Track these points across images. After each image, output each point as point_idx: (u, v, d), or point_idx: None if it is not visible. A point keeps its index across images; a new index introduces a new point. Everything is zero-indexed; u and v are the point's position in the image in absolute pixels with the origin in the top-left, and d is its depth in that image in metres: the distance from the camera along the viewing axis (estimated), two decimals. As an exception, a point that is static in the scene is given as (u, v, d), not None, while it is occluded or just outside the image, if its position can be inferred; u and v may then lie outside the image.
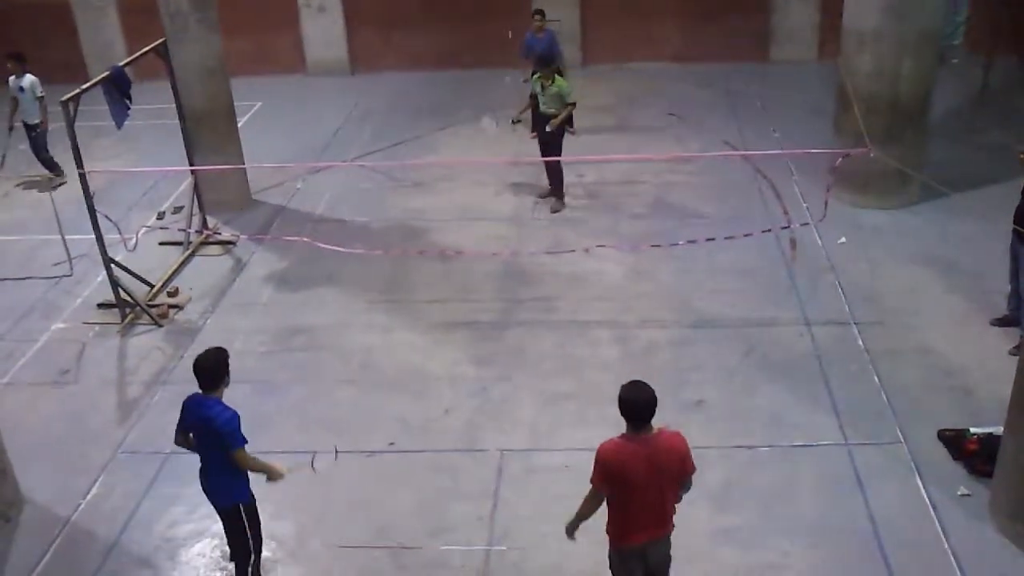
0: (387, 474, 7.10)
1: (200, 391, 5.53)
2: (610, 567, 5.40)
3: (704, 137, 13.02)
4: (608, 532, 5.27)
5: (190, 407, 5.58)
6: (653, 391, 4.95)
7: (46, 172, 12.66)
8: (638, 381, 5.02)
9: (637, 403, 4.92)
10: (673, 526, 5.28)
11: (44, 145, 12.49)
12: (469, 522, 6.58)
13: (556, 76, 10.87)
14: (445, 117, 14.37)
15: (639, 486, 5.00)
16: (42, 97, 12.25)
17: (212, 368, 5.48)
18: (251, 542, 5.78)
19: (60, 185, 12.33)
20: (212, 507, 5.84)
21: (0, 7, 16.09)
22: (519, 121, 11.89)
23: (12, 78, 12.26)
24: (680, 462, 5.06)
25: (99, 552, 6.50)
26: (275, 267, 10.21)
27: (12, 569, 6.40)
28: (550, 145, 11.05)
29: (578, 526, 5.30)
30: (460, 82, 15.76)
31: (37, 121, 12.34)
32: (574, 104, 10.90)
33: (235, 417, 5.46)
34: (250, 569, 5.87)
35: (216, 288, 9.83)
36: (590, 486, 5.12)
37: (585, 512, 5.23)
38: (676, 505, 5.22)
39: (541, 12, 12.87)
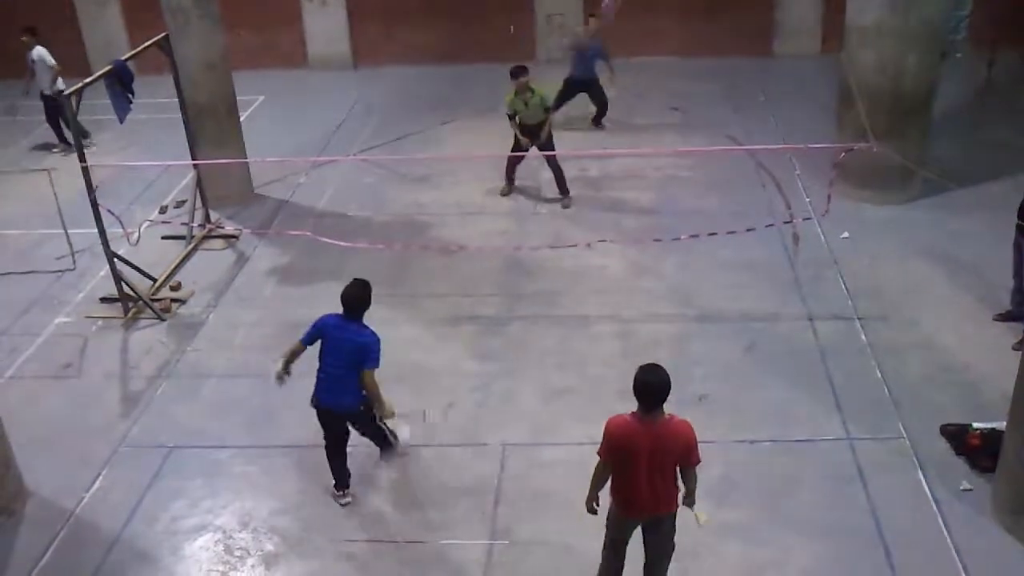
0: (388, 469, 7.09)
1: (343, 314, 6.30)
2: (607, 521, 5.57)
3: (707, 131, 13.02)
4: (611, 495, 5.42)
5: (333, 324, 6.32)
6: (667, 376, 5.05)
7: (60, 144, 13.39)
8: (655, 364, 5.13)
9: (648, 385, 5.03)
10: (677, 506, 5.36)
11: (63, 115, 12.68)
12: (471, 516, 6.59)
13: (533, 88, 10.72)
14: (448, 111, 14.36)
15: (641, 464, 5.10)
16: (53, 67, 12.92)
17: (361, 298, 6.29)
18: (384, 428, 6.69)
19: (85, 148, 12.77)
20: (321, 422, 6.58)
21: (3, 0, 16.08)
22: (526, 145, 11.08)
23: (29, 51, 13.05)
24: (685, 449, 5.13)
25: (102, 545, 6.51)
26: (278, 261, 10.22)
27: (16, 562, 6.41)
28: (545, 149, 10.97)
29: (595, 497, 5.46)
30: (463, 77, 15.75)
31: (50, 92, 12.92)
32: (550, 110, 11.02)
33: (379, 341, 6.28)
34: (394, 448, 6.88)
35: (219, 282, 9.83)
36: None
37: (595, 484, 5.41)
38: (680, 487, 5.31)
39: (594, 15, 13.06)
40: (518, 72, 10.72)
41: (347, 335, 6.27)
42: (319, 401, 6.45)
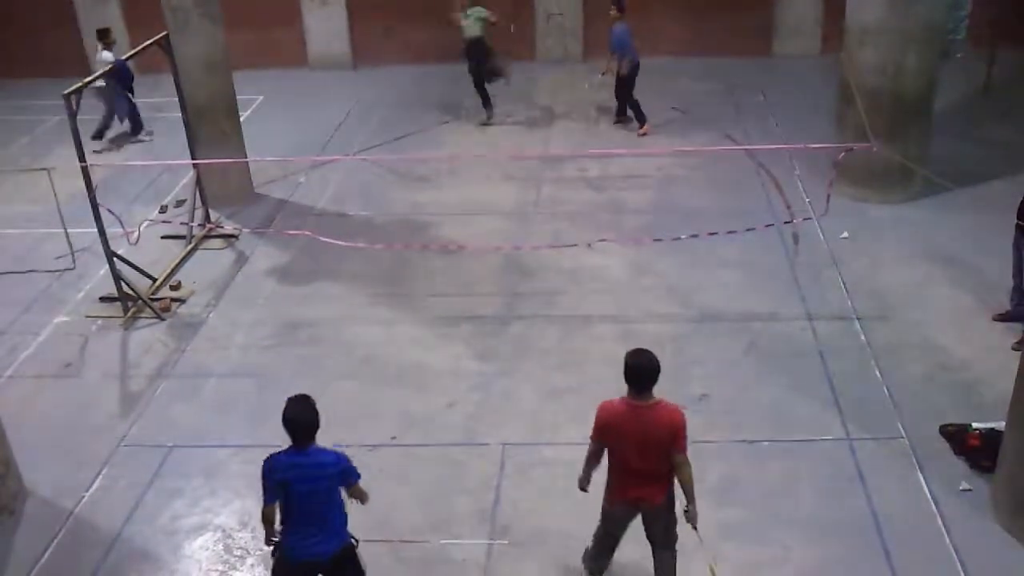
0: (388, 468, 7.09)
1: (293, 447, 5.07)
2: (600, 520, 5.65)
3: (706, 131, 13.02)
4: (605, 490, 5.50)
5: (287, 469, 5.04)
6: (655, 360, 5.13)
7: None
8: (643, 349, 5.21)
9: (635, 368, 5.15)
10: (667, 498, 5.41)
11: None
12: (471, 516, 6.59)
13: (474, 7, 12.87)
14: (447, 111, 14.36)
15: (629, 448, 5.21)
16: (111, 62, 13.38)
17: (312, 419, 5.06)
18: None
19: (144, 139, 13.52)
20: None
21: (2, -1, 16.10)
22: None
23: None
24: (670, 434, 5.18)
25: (102, 545, 6.51)
26: (277, 261, 10.22)
27: (15, 561, 6.42)
28: (478, 70, 13.17)
29: (588, 477, 5.53)
30: (462, 76, 15.68)
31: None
32: (495, 22, 13.12)
33: (344, 454, 5.17)
34: None
35: (218, 282, 9.83)
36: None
37: (587, 464, 5.50)
38: (674, 477, 5.34)
39: (617, 4, 13.12)
40: None
41: (313, 473, 5.01)
42: (296, 554, 5.13)
